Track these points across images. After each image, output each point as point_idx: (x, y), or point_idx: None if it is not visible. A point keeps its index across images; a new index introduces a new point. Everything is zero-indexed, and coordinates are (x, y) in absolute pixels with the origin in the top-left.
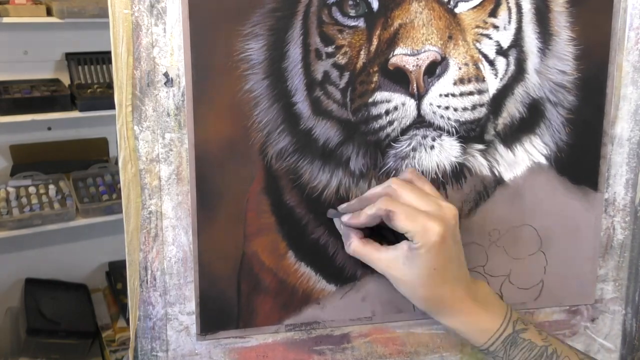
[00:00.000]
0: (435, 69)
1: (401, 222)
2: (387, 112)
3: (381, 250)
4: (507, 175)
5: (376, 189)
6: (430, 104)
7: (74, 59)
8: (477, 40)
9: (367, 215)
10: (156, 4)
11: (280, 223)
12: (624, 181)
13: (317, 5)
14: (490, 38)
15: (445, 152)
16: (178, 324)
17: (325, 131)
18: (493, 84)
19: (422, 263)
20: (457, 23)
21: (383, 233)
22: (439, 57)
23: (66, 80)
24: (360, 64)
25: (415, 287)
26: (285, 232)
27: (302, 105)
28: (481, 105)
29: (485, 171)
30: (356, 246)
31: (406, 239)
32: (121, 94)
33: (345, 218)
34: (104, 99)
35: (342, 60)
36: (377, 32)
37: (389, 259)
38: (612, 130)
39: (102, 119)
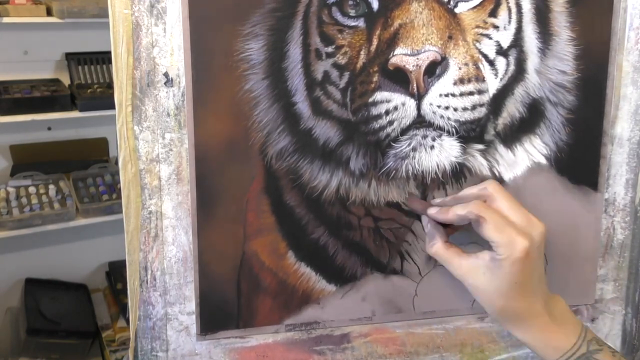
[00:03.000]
0: (435, 69)
1: (489, 231)
2: (387, 112)
3: (462, 257)
4: (507, 175)
5: (472, 189)
6: (430, 104)
7: (74, 59)
8: (477, 40)
9: (456, 214)
10: (156, 4)
11: (280, 223)
12: (624, 181)
13: (317, 5)
14: (490, 38)
15: (445, 152)
16: (178, 324)
17: (325, 131)
18: (493, 84)
19: (503, 275)
20: (457, 23)
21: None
22: (439, 57)
23: (66, 80)
24: (360, 64)
25: (493, 298)
26: (285, 232)
27: (302, 105)
28: (481, 105)
29: (485, 171)
30: (439, 248)
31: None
32: (121, 94)
33: (432, 211)
34: (104, 99)
35: (342, 60)
36: (377, 32)
37: (470, 266)
38: (612, 130)
39: (102, 119)
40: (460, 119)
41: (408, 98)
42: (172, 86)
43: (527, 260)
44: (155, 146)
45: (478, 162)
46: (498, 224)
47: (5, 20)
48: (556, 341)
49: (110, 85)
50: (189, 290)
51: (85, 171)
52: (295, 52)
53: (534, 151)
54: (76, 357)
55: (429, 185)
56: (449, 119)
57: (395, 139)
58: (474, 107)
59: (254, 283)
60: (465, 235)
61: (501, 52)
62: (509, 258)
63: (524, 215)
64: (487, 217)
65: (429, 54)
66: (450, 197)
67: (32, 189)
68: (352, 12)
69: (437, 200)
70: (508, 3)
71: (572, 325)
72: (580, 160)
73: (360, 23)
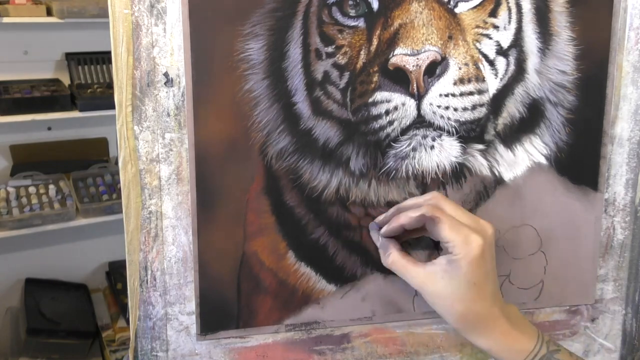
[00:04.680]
0: (435, 69)
1: (445, 231)
2: (387, 112)
3: (418, 265)
4: (507, 175)
5: (416, 199)
6: (430, 104)
7: (74, 59)
8: (477, 40)
9: (409, 217)
10: (156, 4)
11: (280, 223)
12: (624, 181)
13: (317, 5)
14: (490, 38)
15: (445, 152)
16: (178, 324)
17: (325, 131)
18: (493, 84)
19: (461, 276)
20: (457, 23)
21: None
22: (439, 57)
23: (66, 80)
24: (360, 64)
25: (453, 302)
26: (285, 232)
27: (302, 105)
28: (481, 105)
29: (485, 171)
30: (395, 257)
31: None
32: (121, 94)
33: (380, 219)
34: (104, 99)
35: (342, 60)
36: (377, 32)
37: (427, 273)
38: (612, 130)
39: (102, 119)
40: (460, 119)
41: (408, 98)
42: (172, 86)
43: (483, 260)
44: (155, 146)
45: (478, 162)
46: (453, 223)
47: (5, 20)
48: (518, 344)
49: (110, 85)
50: (189, 290)
51: (85, 171)
52: (295, 52)
53: (534, 151)
54: (76, 357)
55: (429, 185)
56: (449, 119)
57: (395, 139)
58: (474, 107)
59: (254, 283)
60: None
61: (501, 52)
62: (465, 257)
63: (473, 217)
64: (442, 217)
65: (429, 54)
66: (392, 208)
67: (32, 189)
68: (352, 12)
69: (380, 217)
70: (508, 3)
71: (529, 328)
72: (580, 160)
73: (360, 23)
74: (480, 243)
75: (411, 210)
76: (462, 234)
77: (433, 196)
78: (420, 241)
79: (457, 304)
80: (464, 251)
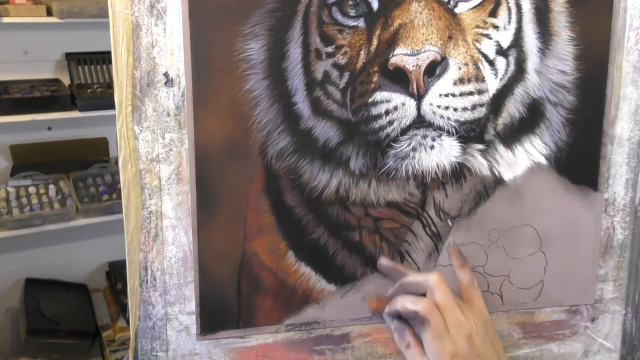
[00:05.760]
0: (435, 69)
1: (427, 336)
2: (387, 112)
3: (424, 358)
4: (507, 175)
5: (417, 277)
6: (430, 104)
7: (74, 59)
8: (477, 40)
9: (405, 308)
10: (156, 4)
11: (280, 223)
12: (624, 181)
13: (317, 5)
14: (490, 38)
15: (445, 152)
16: (178, 324)
17: (325, 131)
18: (493, 84)
19: None
20: (457, 23)
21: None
22: (439, 57)
23: (66, 80)
24: (360, 64)
25: None
26: (285, 232)
27: (302, 105)
28: (481, 105)
29: (485, 171)
30: (413, 350)
31: None
32: (121, 94)
33: (387, 310)
34: (104, 99)
35: (342, 60)
36: (377, 32)
37: None
38: (612, 130)
39: (102, 119)
40: (460, 119)
41: (408, 98)
42: (172, 86)
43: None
44: (155, 146)
45: (478, 162)
46: (438, 332)
47: (5, 20)
48: None
49: (110, 85)
50: (189, 290)
51: (85, 171)
52: (295, 52)
53: (534, 151)
54: (76, 357)
55: (429, 185)
56: (448, 119)
57: (395, 139)
58: (473, 107)
59: (254, 283)
60: None
61: (501, 52)
62: None
63: (460, 311)
64: (432, 323)
65: (429, 54)
66: (398, 284)
67: (32, 189)
68: (352, 12)
69: (390, 290)
70: (508, 3)
71: None
72: (580, 160)
73: (360, 23)
74: (453, 353)
75: (409, 301)
76: (439, 344)
77: (428, 279)
78: (420, 242)
79: None
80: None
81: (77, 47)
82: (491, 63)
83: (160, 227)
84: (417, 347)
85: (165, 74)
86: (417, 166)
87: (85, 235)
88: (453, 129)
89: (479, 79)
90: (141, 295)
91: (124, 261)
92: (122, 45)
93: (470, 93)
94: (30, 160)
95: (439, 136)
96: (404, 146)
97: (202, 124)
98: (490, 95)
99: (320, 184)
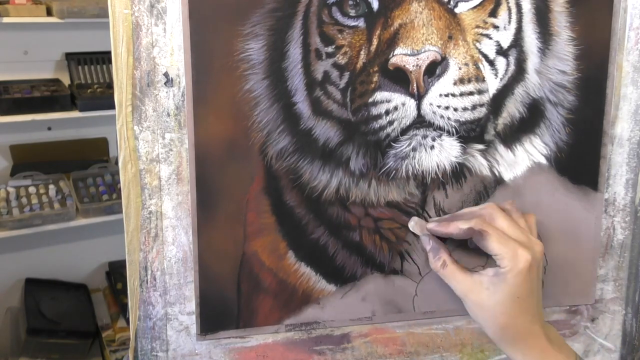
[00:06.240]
0: (435, 69)
1: (493, 244)
2: (387, 112)
3: (466, 273)
4: (507, 176)
5: (472, 208)
6: (430, 104)
7: (74, 59)
8: (477, 40)
9: (458, 227)
10: (156, 4)
11: (280, 223)
12: (624, 181)
13: (317, 5)
14: (490, 38)
15: (445, 152)
16: (178, 324)
17: (325, 131)
18: (493, 84)
19: (506, 288)
20: (457, 23)
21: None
22: (439, 57)
23: (66, 80)
24: (360, 64)
25: (496, 313)
26: (285, 232)
27: (302, 105)
28: (481, 105)
29: (485, 171)
30: (446, 262)
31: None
32: (121, 94)
33: (431, 225)
34: (104, 99)
35: (342, 60)
36: (377, 32)
37: (473, 282)
38: (612, 130)
39: (102, 119)
40: (460, 119)
41: (408, 98)
42: (172, 86)
43: (529, 275)
44: (155, 146)
45: (478, 162)
46: (501, 237)
47: (5, 20)
48: None
49: (110, 85)
50: (189, 290)
51: (85, 171)
52: (295, 52)
53: (534, 151)
54: (76, 357)
55: (429, 185)
56: (449, 119)
57: (395, 139)
58: (474, 107)
59: (254, 283)
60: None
61: (501, 52)
62: (512, 270)
63: (524, 233)
64: (491, 231)
65: (429, 54)
66: (449, 215)
67: (32, 189)
68: (352, 12)
69: (435, 218)
70: (508, 3)
71: (567, 350)
72: (580, 160)
73: (360, 23)
74: (528, 258)
75: (461, 221)
76: (511, 248)
77: (487, 206)
78: (420, 242)
79: (499, 315)
80: (511, 264)
81: (77, 47)
82: (491, 63)
83: (160, 227)
84: (454, 264)
85: (165, 74)
86: (417, 166)
87: (85, 235)
88: (453, 129)
89: (479, 79)
90: (141, 295)
91: (124, 261)
92: (122, 45)
93: (471, 93)
94: (30, 160)
95: (439, 136)
96: (404, 146)
97: (202, 124)
98: (491, 95)
99: (320, 184)
